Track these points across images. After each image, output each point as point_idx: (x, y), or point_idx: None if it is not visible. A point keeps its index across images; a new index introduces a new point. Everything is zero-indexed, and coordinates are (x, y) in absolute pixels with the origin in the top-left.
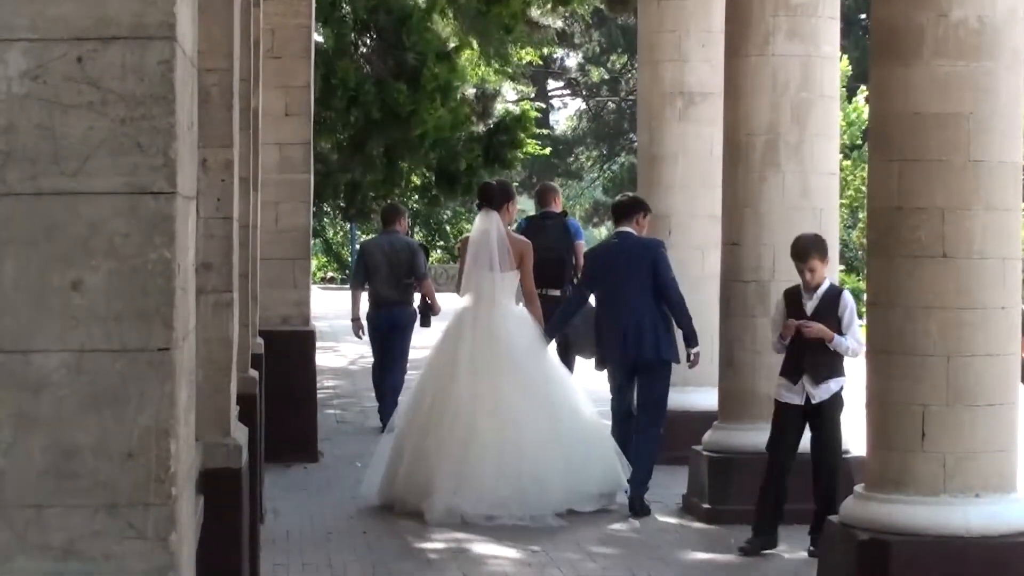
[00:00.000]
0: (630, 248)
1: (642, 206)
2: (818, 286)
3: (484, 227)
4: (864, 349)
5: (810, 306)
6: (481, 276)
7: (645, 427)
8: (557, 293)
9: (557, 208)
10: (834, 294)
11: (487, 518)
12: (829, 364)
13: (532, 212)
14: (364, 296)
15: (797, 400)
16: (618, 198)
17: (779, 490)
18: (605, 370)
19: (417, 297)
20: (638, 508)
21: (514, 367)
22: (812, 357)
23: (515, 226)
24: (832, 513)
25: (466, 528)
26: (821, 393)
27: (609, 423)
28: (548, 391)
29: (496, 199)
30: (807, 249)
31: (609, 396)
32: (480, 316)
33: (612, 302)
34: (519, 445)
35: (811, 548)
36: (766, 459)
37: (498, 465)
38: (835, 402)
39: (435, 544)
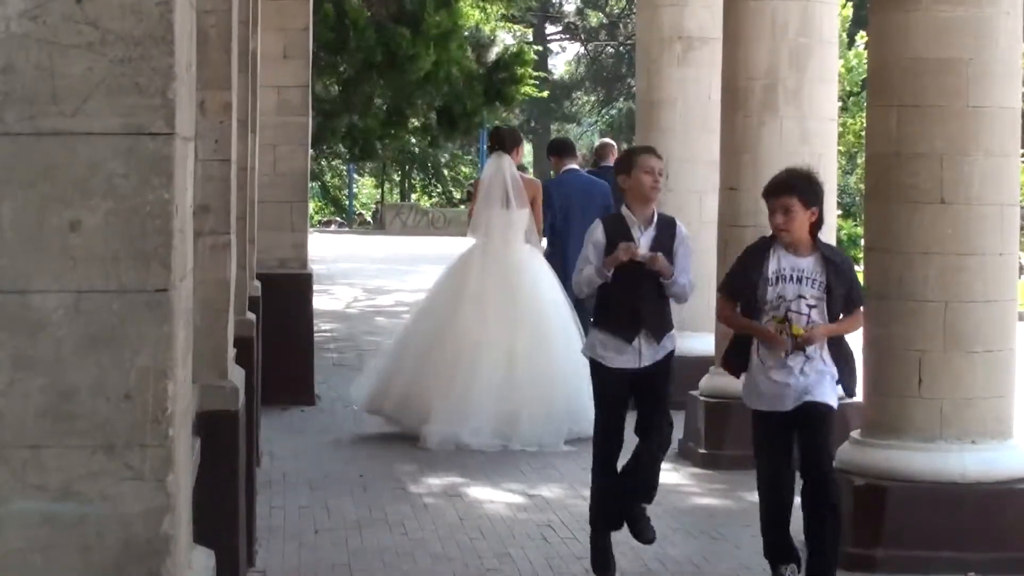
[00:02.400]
0: (584, 184)
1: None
2: (652, 215)
3: (496, 167)
4: (690, 295)
5: (645, 238)
6: (493, 214)
7: None
8: None
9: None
10: (669, 222)
11: (489, 447)
12: (668, 315)
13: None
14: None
15: (632, 363)
16: (558, 137)
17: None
18: None
19: None
20: None
21: (522, 302)
22: (650, 306)
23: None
24: (647, 501)
25: (462, 471)
26: (658, 352)
27: None
28: (552, 325)
29: (507, 142)
30: (654, 152)
31: None
32: (491, 252)
33: (571, 233)
34: (523, 379)
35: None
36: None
37: (500, 397)
38: (670, 363)
39: (431, 488)
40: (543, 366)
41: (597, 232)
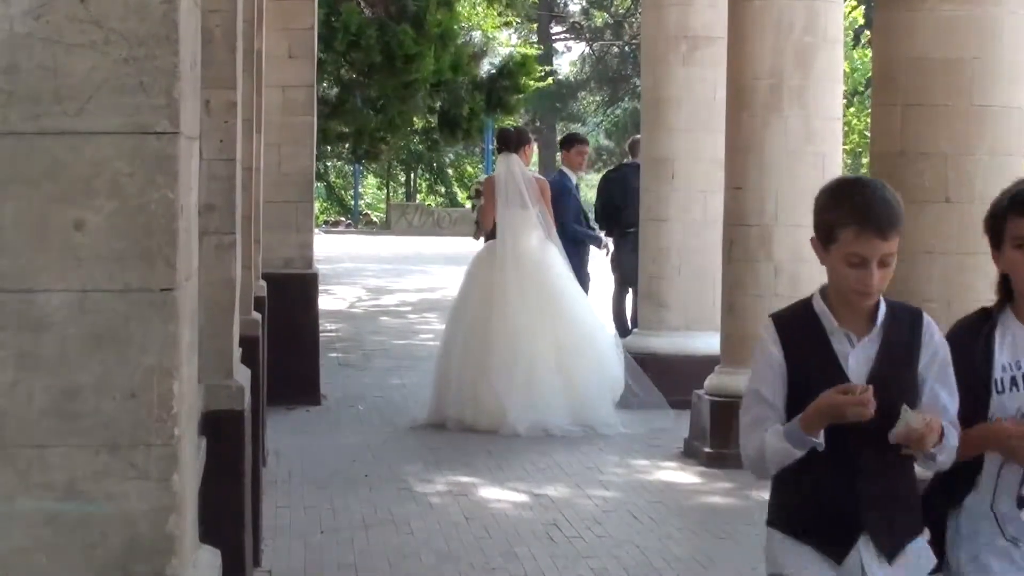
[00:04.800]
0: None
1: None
2: (874, 311)
3: (506, 168)
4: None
5: (860, 354)
6: (513, 213)
7: None
8: (634, 229)
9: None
10: (907, 317)
11: (571, 433)
12: (913, 500)
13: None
14: None
15: None
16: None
17: None
18: None
19: None
20: None
21: (555, 296)
22: (876, 486)
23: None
24: None
25: (468, 470)
26: None
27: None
28: (584, 315)
29: (513, 142)
30: (881, 223)
31: None
32: (516, 251)
33: None
34: (579, 367)
35: None
36: None
37: (565, 386)
38: None
39: (437, 487)
40: (593, 353)
41: (771, 348)
